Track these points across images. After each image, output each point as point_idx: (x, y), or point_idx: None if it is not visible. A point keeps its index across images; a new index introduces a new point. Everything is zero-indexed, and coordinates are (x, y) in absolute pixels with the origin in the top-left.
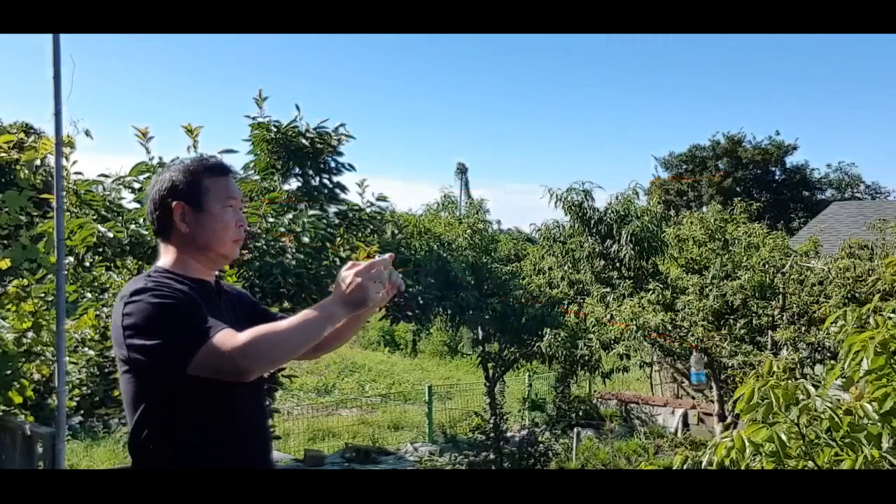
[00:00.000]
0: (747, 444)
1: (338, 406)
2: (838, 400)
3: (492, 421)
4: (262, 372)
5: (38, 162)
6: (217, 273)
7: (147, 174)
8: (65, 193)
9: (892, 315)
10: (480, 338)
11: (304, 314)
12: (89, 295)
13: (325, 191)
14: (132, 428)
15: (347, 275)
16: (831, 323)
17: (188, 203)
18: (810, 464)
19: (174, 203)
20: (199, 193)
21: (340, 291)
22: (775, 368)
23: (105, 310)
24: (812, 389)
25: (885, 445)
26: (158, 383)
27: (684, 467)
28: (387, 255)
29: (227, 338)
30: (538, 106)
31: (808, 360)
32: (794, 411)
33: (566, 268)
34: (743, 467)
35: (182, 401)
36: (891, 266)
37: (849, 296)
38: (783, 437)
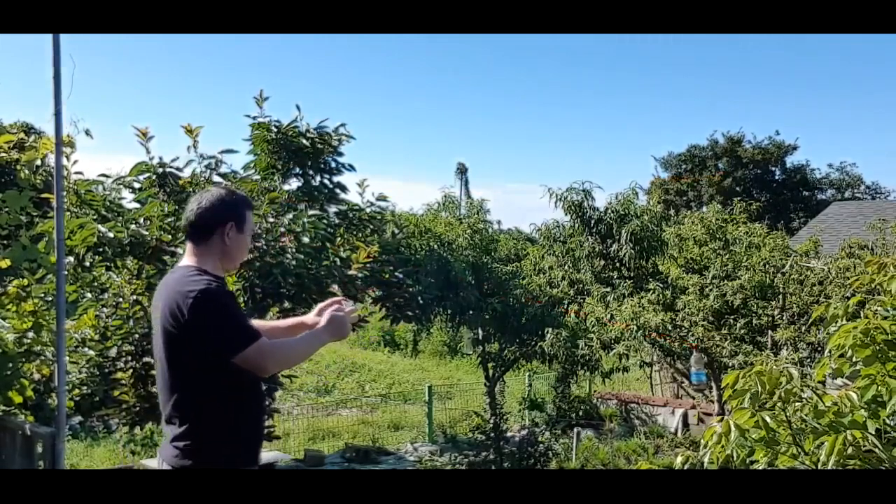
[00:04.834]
0: (733, 428)
1: (338, 406)
2: (840, 386)
3: (492, 421)
4: (275, 372)
5: (38, 162)
6: None
7: (147, 174)
8: (65, 193)
9: (877, 307)
10: (480, 338)
11: (306, 338)
12: (89, 295)
13: (325, 191)
14: (181, 417)
15: (338, 315)
16: (817, 318)
17: (236, 225)
18: (803, 459)
19: (229, 223)
20: (244, 222)
21: (330, 326)
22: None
23: (105, 310)
24: (795, 373)
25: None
26: (217, 374)
27: (684, 467)
28: (353, 304)
29: (266, 342)
30: (538, 106)
31: (808, 360)
32: (777, 396)
33: (566, 267)
34: (729, 452)
35: (231, 390)
36: (869, 265)
37: (849, 296)
38: (769, 420)
